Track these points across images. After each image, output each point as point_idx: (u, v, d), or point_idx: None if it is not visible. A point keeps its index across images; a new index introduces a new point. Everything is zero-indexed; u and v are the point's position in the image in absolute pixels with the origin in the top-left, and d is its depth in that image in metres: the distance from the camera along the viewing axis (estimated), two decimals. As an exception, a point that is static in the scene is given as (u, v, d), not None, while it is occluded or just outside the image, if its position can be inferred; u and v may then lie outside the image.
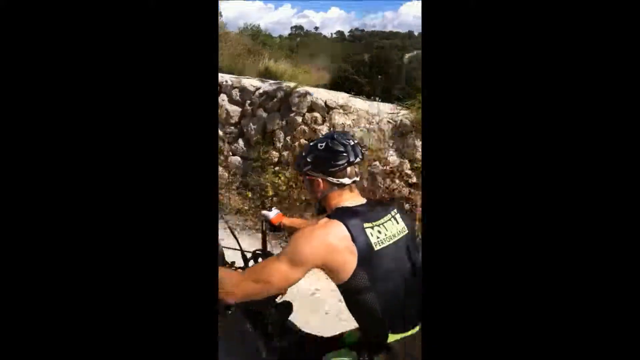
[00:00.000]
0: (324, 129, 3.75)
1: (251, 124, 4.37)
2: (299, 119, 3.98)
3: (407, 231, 1.24)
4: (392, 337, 1.15)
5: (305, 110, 3.94)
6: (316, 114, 3.88)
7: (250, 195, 4.10)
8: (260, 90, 4.38)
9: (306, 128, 3.91)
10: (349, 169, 1.19)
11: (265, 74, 5.30)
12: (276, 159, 4.14)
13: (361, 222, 1.13)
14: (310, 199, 1.35)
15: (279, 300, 1.51)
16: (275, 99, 4.21)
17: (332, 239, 1.08)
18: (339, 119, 3.71)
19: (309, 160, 1.21)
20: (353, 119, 3.68)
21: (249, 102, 4.45)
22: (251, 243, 2.62)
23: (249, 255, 1.65)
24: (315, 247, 1.07)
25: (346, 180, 1.20)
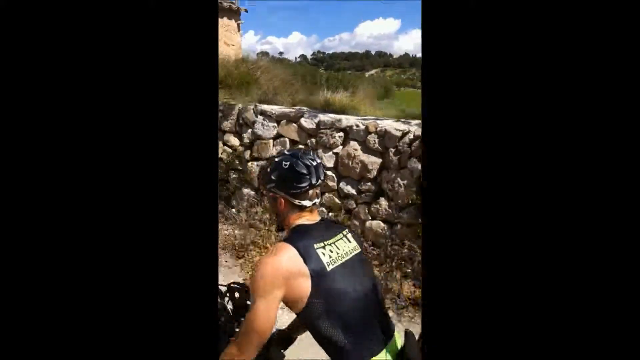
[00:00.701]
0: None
1: (399, 179, 3.40)
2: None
3: (359, 249, 1.24)
4: None
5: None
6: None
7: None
8: (410, 135, 3.38)
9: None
10: (310, 191, 1.20)
11: (326, 107, 4.56)
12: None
13: (312, 243, 1.12)
14: (272, 215, 1.35)
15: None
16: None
17: (284, 263, 1.08)
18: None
19: (272, 178, 1.20)
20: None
21: (393, 150, 3.47)
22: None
23: (224, 289, 1.62)
24: (271, 274, 1.07)
25: (307, 203, 1.20)
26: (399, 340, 1.22)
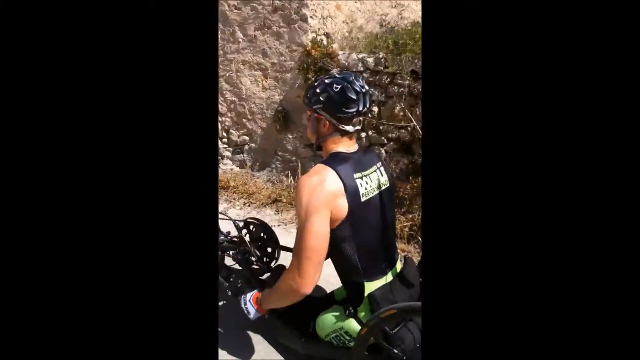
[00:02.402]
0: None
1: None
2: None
3: (388, 184, 1.28)
4: (367, 285, 1.20)
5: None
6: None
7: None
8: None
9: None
10: (355, 117, 1.20)
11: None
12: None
13: (352, 171, 1.15)
14: (309, 137, 1.34)
15: (273, 265, 1.63)
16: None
17: (327, 185, 1.11)
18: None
19: (321, 99, 1.18)
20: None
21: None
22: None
23: (241, 224, 1.80)
24: (320, 190, 1.09)
25: (350, 128, 1.21)
26: (399, 264, 1.33)
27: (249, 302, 1.38)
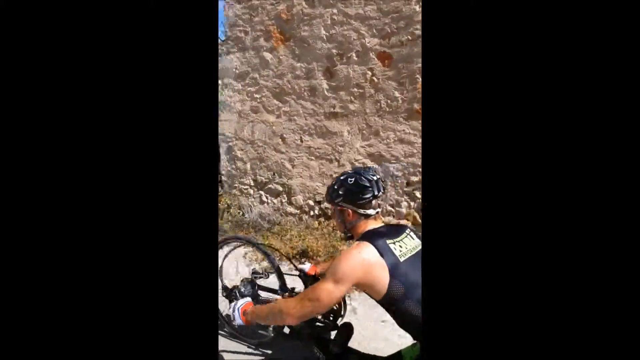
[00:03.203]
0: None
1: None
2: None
3: (420, 246, 1.41)
4: None
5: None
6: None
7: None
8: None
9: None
10: (373, 201, 1.40)
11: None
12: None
13: (385, 240, 1.30)
14: (338, 228, 1.58)
15: (339, 322, 1.65)
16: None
17: (365, 256, 1.24)
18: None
19: (340, 193, 1.41)
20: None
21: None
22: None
23: (296, 273, 1.90)
24: (352, 264, 1.23)
25: (371, 212, 1.41)
26: None
27: (237, 309, 1.50)
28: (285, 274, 1.92)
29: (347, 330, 1.58)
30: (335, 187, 1.44)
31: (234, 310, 1.50)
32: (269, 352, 1.99)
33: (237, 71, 3.96)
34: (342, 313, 1.78)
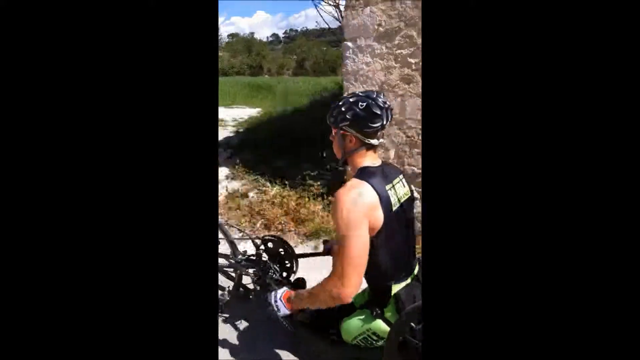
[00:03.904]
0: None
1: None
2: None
3: (409, 194, 1.38)
4: (394, 287, 1.31)
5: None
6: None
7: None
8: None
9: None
10: (380, 131, 1.29)
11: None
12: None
13: (383, 183, 1.25)
14: (336, 152, 1.42)
15: (292, 278, 1.71)
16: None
17: (365, 199, 1.18)
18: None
19: (347, 117, 1.27)
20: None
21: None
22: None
23: (258, 241, 1.89)
24: (358, 204, 1.16)
25: (375, 142, 1.30)
26: (417, 268, 1.43)
27: (280, 299, 1.43)
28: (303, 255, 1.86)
29: (301, 285, 1.59)
30: (343, 109, 1.28)
31: (275, 301, 1.42)
32: (227, 315, 2.01)
33: (381, 28, 2.91)
34: (295, 269, 1.79)
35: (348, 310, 1.43)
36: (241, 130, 7.42)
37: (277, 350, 1.79)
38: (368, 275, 1.29)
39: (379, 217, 1.19)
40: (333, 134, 1.37)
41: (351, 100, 1.29)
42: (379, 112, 1.25)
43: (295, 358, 1.71)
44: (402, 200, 1.31)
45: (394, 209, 1.25)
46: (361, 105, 1.26)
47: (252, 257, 1.93)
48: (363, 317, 1.36)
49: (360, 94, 1.31)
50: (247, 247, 2.05)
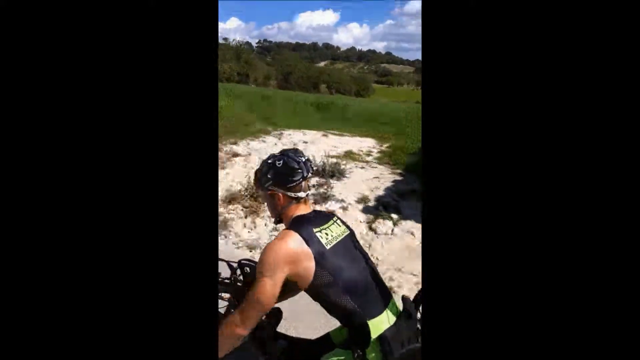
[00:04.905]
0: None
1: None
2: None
3: (348, 231, 1.44)
4: (371, 324, 1.29)
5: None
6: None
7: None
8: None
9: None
10: (303, 183, 1.37)
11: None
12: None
13: (312, 228, 1.31)
14: (270, 213, 1.53)
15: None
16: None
17: (291, 246, 1.25)
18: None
19: (269, 177, 1.37)
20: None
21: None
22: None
23: (234, 264, 1.78)
24: (280, 255, 1.24)
25: (301, 194, 1.38)
26: (398, 303, 1.41)
27: None
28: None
29: (276, 315, 1.60)
30: (264, 170, 1.39)
31: None
32: None
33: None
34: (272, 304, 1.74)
35: (324, 346, 1.46)
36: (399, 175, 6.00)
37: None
38: (336, 315, 1.34)
39: (307, 259, 1.26)
40: (263, 198, 1.48)
41: (269, 161, 1.40)
42: (296, 166, 1.34)
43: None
44: (339, 239, 1.37)
45: (330, 246, 1.31)
46: (278, 164, 1.35)
47: (226, 281, 1.90)
48: (343, 357, 1.35)
49: (276, 154, 1.43)
50: (222, 270, 1.98)
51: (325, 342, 1.53)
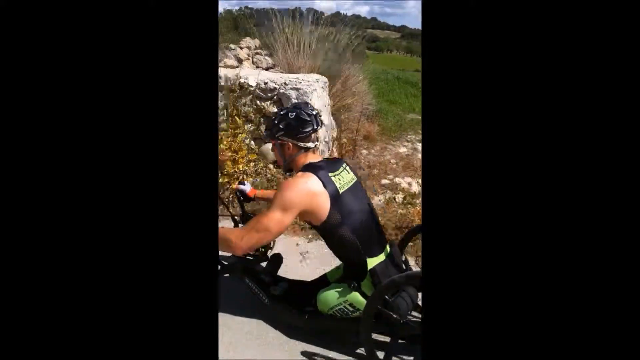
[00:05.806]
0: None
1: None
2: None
3: (355, 179, 1.57)
4: (370, 262, 1.45)
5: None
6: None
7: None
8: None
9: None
10: (312, 135, 1.50)
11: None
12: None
13: (327, 172, 1.43)
14: (279, 162, 1.62)
15: (269, 254, 1.78)
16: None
17: (310, 186, 1.37)
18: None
19: (281, 127, 1.48)
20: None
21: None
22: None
23: (238, 219, 1.92)
24: (299, 193, 1.35)
25: (310, 144, 1.50)
26: (389, 249, 1.58)
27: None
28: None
29: (277, 260, 1.73)
30: (276, 122, 1.50)
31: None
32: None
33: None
34: (272, 245, 1.88)
35: (322, 284, 1.61)
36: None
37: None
38: (339, 252, 1.50)
39: (323, 200, 1.37)
40: (272, 145, 1.58)
41: (282, 113, 1.50)
42: (307, 118, 1.46)
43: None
44: (350, 185, 1.49)
45: (342, 190, 1.43)
46: (291, 115, 1.47)
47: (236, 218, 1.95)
48: (340, 289, 1.50)
49: (289, 106, 1.53)
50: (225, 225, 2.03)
51: (322, 281, 1.70)
